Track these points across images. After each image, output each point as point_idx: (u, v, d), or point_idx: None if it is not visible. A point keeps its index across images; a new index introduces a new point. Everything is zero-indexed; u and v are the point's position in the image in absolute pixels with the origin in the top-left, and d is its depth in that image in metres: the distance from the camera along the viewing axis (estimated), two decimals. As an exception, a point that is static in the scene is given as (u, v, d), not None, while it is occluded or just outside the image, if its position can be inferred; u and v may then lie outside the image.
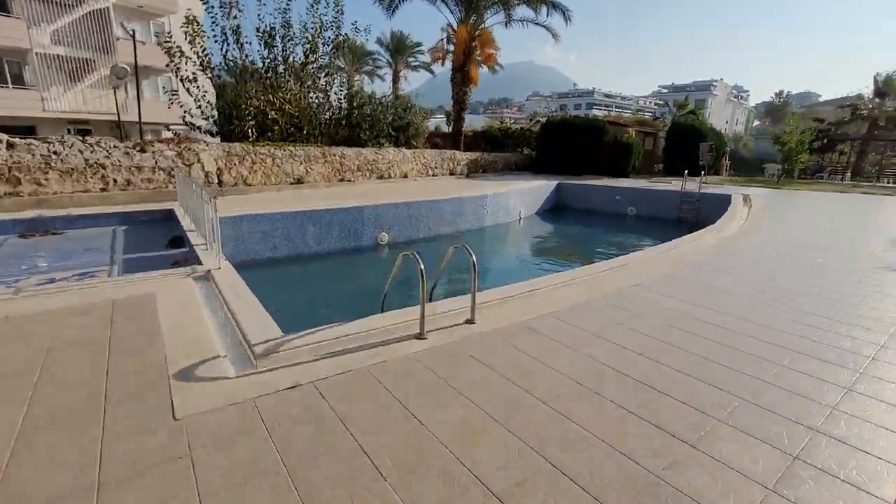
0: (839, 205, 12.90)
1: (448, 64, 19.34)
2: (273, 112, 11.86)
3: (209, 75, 11.79)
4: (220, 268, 4.58)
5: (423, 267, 3.37)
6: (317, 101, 12.95)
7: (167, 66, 10.91)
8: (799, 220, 9.41)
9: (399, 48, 35.00)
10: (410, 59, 37.39)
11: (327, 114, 13.37)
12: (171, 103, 11.29)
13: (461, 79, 18.72)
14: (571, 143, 19.11)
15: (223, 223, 7.87)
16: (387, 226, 9.97)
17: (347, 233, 9.36)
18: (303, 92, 13.01)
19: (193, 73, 11.18)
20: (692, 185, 14.46)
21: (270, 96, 11.94)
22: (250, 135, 11.63)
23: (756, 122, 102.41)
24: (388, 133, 14.36)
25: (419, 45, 35.44)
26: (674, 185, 16.48)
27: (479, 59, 20.74)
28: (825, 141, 20.28)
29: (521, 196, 14.00)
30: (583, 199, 16.18)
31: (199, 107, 11.81)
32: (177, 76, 11.09)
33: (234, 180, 10.37)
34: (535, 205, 15.27)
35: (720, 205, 13.69)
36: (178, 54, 11.06)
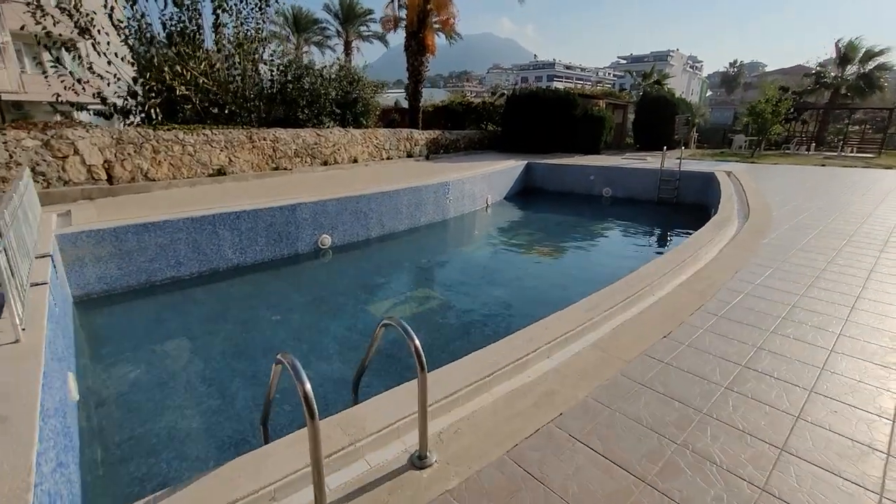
0: (831, 180, 12.06)
1: (403, 33, 17.19)
2: (182, 87, 9.59)
3: (124, 39, 9.31)
4: (17, 341, 2.75)
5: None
6: (242, 73, 10.70)
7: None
8: (809, 204, 8.32)
9: (349, 16, 31.92)
10: (363, 29, 34.36)
11: (256, 88, 11.14)
12: (56, 75, 8.81)
13: (416, 47, 16.64)
14: (540, 118, 17.56)
15: (98, 238, 5.90)
16: (329, 226, 8.19)
17: (278, 238, 7.53)
18: (224, 62, 10.72)
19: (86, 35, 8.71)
20: (670, 161, 13.30)
21: (179, 67, 9.64)
22: (153, 116, 9.36)
23: (710, 93, 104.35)
24: (332, 111, 12.27)
25: (370, 12, 32.49)
26: (650, 161, 15.34)
27: (436, 25, 18.64)
28: (792, 111, 19.64)
29: (487, 180, 12.41)
30: (555, 180, 14.79)
31: (116, 80, 9.33)
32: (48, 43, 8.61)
33: (131, 175, 8.21)
34: (504, 189, 13.75)
35: (702, 184, 12.63)
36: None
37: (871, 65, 22.65)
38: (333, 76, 12.45)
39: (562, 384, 2.56)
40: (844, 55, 22.73)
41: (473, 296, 6.57)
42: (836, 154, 21.50)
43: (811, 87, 24.02)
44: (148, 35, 9.31)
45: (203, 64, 10.10)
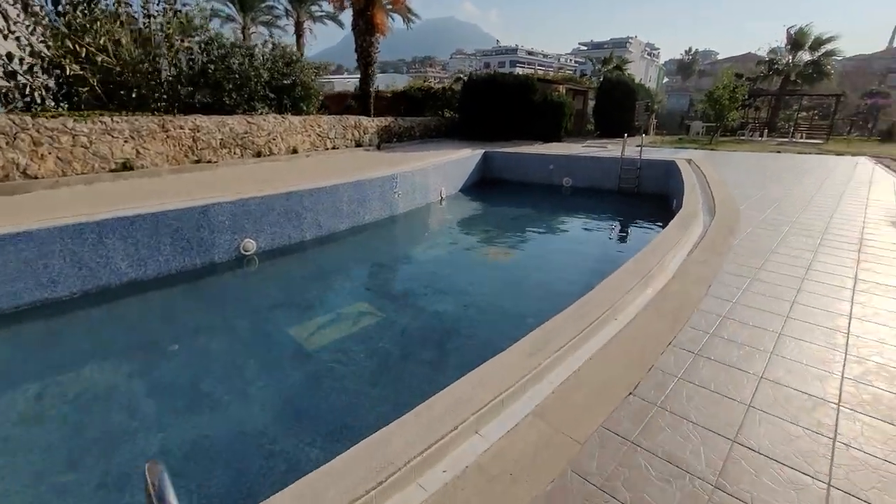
0: (789, 168, 11.87)
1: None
2: (75, 66, 8.11)
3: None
4: None
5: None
6: (153, 50, 9.24)
7: None
8: (773, 195, 7.91)
9: (298, -6, 29.86)
10: (314, 8, 32.29)
11: (172, 69, 9.70)
12: None
13: (364, 26, 15.35)
14: (498, 104, 16.74)
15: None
16: (254, 229, 7.10)
17: (188, 245, 6.39)
18: (133, 37, 9.23)
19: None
20: (630, 149, 12.82)
21: (70, 42, 8.13)
22: (38, 100, 7.87)
23: (666, 79, 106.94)
24: (265, 95, 10.95)
25: (321, -10, 30.52)
26: (610, 149, 14.87)
27: (387, 4, 17.35)
28: (747, 97, 19.73)
29: (441, 171, 11.51)
30: (513, 169, 14.05)
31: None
32: None
33: (4, 172, 6.80)
34: (460, 180, 12.89)
35: (663, 173, 12.20)
36: None
37: (820, 52, 23.09)
38: (267, 56, 11.09)
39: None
40: (796, 41, 23.05)
41: (418, 309, 5.71)
42: (787, 140, 21.90)
43: (764, 73, 24.33)
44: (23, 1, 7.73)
45: (103, 38, 8.60)
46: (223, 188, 7.45)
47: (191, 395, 3.89)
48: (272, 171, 9.43)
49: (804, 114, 26.85)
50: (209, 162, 9.42)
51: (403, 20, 32.95)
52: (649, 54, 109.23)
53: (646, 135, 22.82)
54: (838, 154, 14.85)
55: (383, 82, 33.83)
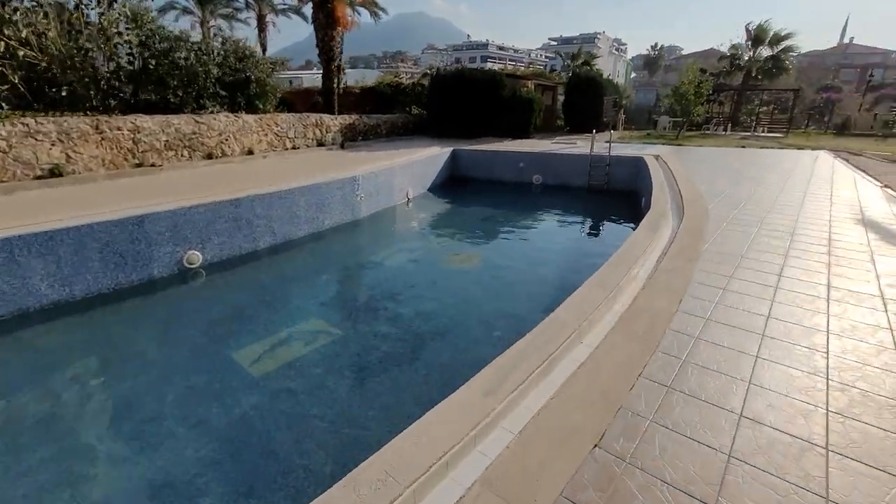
0: (754, 163, 11.96)
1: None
2: (-9, 61, 7.28)
3: None
4: None
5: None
6: (85, 44, 8.42)
7: None
8: (741, 192, 7.83)
9: (259, -14, 28.63)
10: (277, 2, 31.04)
11: (111, 64, 8.90)
12: None
13: (325, 19, 14.67)
14: (467, 100, 16.38)
15: None
16: (199, 239, 6.52)
17: (121, 260, 5.78)
18: (63, 28, 8.39)
19: None
20: (599, 145, 12.70)
21: (-15, 34, 7.29)
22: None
23: (633, 75, 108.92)
24: (216, 93, 10.24)
25: (283, -19, 29.39)
26: (580, 145, 14.74)
27: (350, -5, 16.69)
28: (712, 92, 20.04)
29: (408, 171, 11.08)
30: (482, 167, 13.74)
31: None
32: None
33: None
34: (428, 179, 12.48)
35: (632, 169, 12.12)
36: None
37: (779, 47, 23.69)
38: (217, 50, 10.36)
39: None
40: (756, 37, 23.57)
41: (376, 327, 5.29)
42: (750, 134, 22.40)
43: (727, 69, 24.81)
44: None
45: (25, 31, 7.77)
46: (166, 194, 6.83)
47: (111, 438, 3.39)
48: (223, 175, 8.80)
49: (764, 108, 27.59)
50: (153, 165, 8.69)
51: (370, 14, 32.11)
52: (617, 50, 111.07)
53: (615, 130, 22.91)
54: (799, 148, 15.18)
55: (353, 78, 32.93)
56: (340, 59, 24.59)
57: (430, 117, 17.37)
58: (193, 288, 6.27)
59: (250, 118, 10.74)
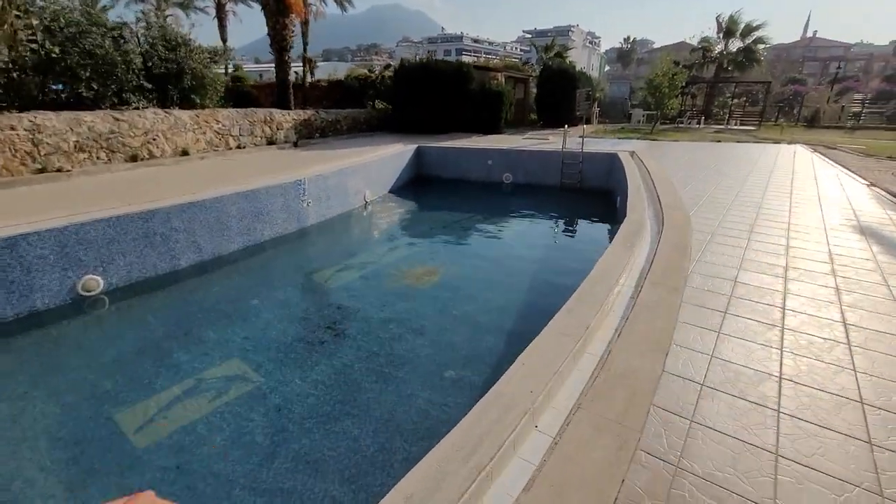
0: (733, 159, 11.42)
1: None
2: None
3: None
4: None
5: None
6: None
7: None
8: (723, 195, 7.17)
9: (214, -29, 26.84)
10: (235, -11, 29.22)
11: (11, 53, 7.60)
12: None
13: (276, 6, 13.44)
14: (434, 94, 15.42)
15: None
16: (99, 261, 5.45)
17: (-11, 292, 4.69)
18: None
19: None
20: (572, 141, 11.97)
21: None
22: None
23: (607, 68, 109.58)
24: (140, 85, 9.01)
25: (241, -33, 27.68)
26: (552, 141, 14.00)
27: (306, -19, 15.48)
28: (685, 85, 19.62)
29: (365, 171, 10.10)
30: (449, 166, 12.85)
31: None
32: None
33: None
34: (389, 180, 11.52)
35: (606, 166, 11.43)
36: None
37: (750, 38, 23.47)
38: (141, 36, 9.11)
39: None
40: (727, 29, 23.29)
41: (306, 370, 4.36)
42: (723, 127, 22.15)
43: (699, 61, 24.50)
44: None
45: None
46: (65, 206, 5.70)
47: None
48: (146, 180, 7.65)
49: (736, 101, 27.50)
50: (59, 171, 7.47)
51: (337, 4, 30.59)
52: (591, 42, 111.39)
53: (589, 124, 22.35)
54: (775, 142, 14.80)
55: (325, 71, 31.45)
56: (305, 50, 23.26)
57: (395, 112, 16.35)
58: (87, 321, 5.19)
59: (185, 114, 9.54)
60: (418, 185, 12.56)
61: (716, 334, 2.88)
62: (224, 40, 26.59)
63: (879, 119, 26.42)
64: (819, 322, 3.05)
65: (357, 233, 8.91)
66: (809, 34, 75.91)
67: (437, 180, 12.90)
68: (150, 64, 9.16)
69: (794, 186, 7.53)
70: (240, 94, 19.10)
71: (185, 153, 9.48)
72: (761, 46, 24.22)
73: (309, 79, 24.99)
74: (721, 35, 23.64)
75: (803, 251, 4.39)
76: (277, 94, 14.62)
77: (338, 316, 5.52)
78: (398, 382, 4.16)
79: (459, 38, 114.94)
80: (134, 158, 8.57)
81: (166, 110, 9.23)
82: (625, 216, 5.71)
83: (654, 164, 9.72)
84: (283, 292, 6.31)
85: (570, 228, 9.70)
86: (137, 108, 8.79)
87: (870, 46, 79.76)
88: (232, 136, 10.74)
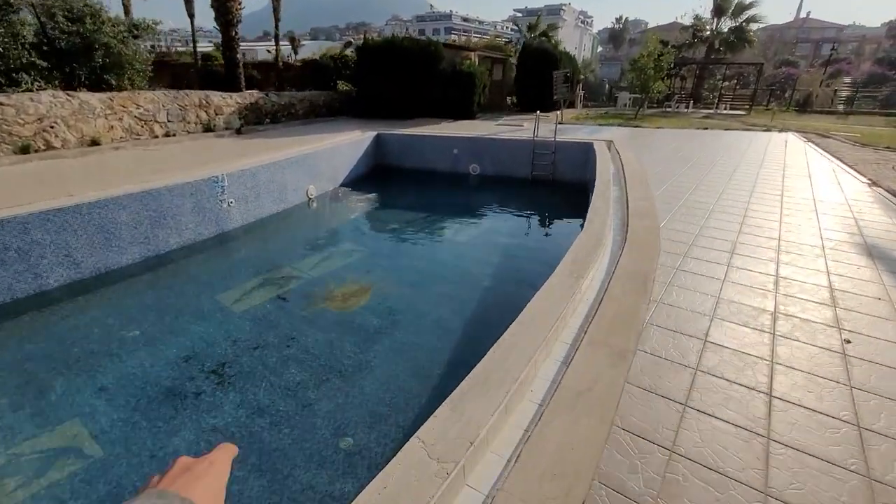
0: (719, 150, 10.41)
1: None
2: None
3: None
4: None
5: None
6: None
7: None
8: (704, 198, 6.17)
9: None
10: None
11: None
12: None
13: (218, -27, 11.99)
14: (401, 75, 14.12)
15: None
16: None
17: None
18: None
19: None
20: (548, 127, 10.87)
21: None
22: None
23: (600, 48, 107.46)
24: (32, 63, 7.69)
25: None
26: (526, 127, 12.86)
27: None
28: (673, 66, 18.45)
29: (308, 163, 8.92)
30: (412, 155, 11.69)
31: None
32: None
33: None
34: (342, 172, 10.35)
35: (581, 156, 10.34)
36: None
37: (742, 17, 22.26)
38: (36, 5, 7.74)
39: None
40: (718, 7, 22.03)
41: (165, 437, 3.32)
42: (713, 111, 21.10)
43: (689, 41, 23.27)
44: None
45: None
46: None
47: None
48: (31, 177, 6.44)
49: (727, 83, 26.40)
50: (-82, 166, 6.24)
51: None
52: (583, 23, 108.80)
53: (573, 108, 21.17)
54: (765, 129, 13.80)
55: (311, 50, 29.64)
56: (276, 27, 21.57)
57: (359, 96, 15.02)
58: None
59: (94, 98, 8.24)
60: (377, 177, 11.41)
61: (668, 453, 1.88)
62: (191, 16, 24.79)
63: (872, 103, 25.54)
64: (821, 423, 2.07)
65: (291, 237, 7.78)
66: (803, 15, 74.57)
67: (399, 171, 11.75)
68: (49, 38, 7.81)
69: (785, 186, 6.54)
70: (209, 73, 17.56)
71: (94, 143, 8.22)
72: (754, 26, 23.05)
73: (295, 57, 23.33)
74: (712, 14, 22.39)
75: (798, 285, 3.40)
76: (226, 73, 13.23)
77: (230, 355, 4.46)
78: (277, 457, 3.17)
79: (448, 16, 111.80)
80: (25, 150, 7.31)
81: (69, 93, 7.93)
82: (581, 234, 4.68)
83: (632, 156, 8.68)
84: (175, 319, 5.20)
85: (538, 228, 8.68)
86: (28, 90, 7.49)
87: (862, 28, 78.67)
88: (158, 122, 9.45)
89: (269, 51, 26.75)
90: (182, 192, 6.44)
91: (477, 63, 15.75)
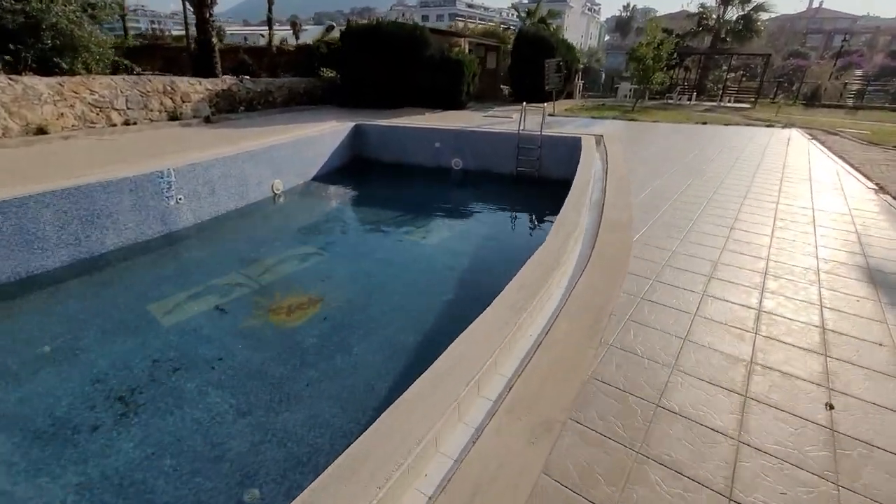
0: (715, 152, 9.77)
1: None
2: None
3: None
4: None
5: None
6: None
7: None
8: (689, 210, 5.58)
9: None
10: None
11: None
12: None
13: (189, -50, 11.28)
14: (385, 63, 13.42)
15: None
16: None
17: None
18: None
19: None
20: (536, 120, 10.22)
21: None
22: None
23: (607, 37, 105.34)
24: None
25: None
26: (514, 119, 12.20)
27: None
28: (675, 56, 17.62)
29: (273, 156, 8.34)
30: (392, 148, 11.06)
31: None
32: None
33: None
34: (314, 165, 9.74)
35: (569, 152, 9.71)
36: None
37: (750, 5, 21.29)
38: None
39: None
40: (728, -8, 21.07)
41: (41, 481, 2.85)
42: (716, 104, 20.29)
43: (694, 30, 22.33)
44: None
45: None
46: None
47: None
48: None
49: (732, 75, 25.47)
50: None
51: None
52: (590, 10, 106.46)
53: (571, 99, 20.40)
54: (768, 124, 13.08)
55: (312, 35, 28.76)
56: (269, 10, 20.63)
57: (344, 84, 14.33)
58: None
59: (41, 82, 7.65)
60: (354, 170, 10.80)
61: None
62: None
63: (883, 97, 24.59)
64: None
65: (248, 237, 7.22)
66: (816, 4, 72.51)
67: (378, 165, 11.14)
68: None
69: (781, 192, 5.92)
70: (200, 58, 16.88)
71: (42, 131, 7.64)
72: (763, 16, 22.09)
73: (296, 42, 22.54)
74: (719, 2, 21.41)
75: (783, 324, 2.84)
76: (196, 58, 12.56)
77: (144, 378, 3.94)
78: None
79: (453, 2, 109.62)
80: (-42, 139, 6.76)
81: (11, 77, 7.34)
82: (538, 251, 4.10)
83: (619, 154, 8.06)
84: (95, 333, 4.67)
85: (517, 231, 8.10)
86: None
87: (876, 19, 76.52)
88: (116, 109, 8.85)
89: (262, 35, 25.89)
90: (119, 188, 5.88)
91: (468, 50, 15.00)
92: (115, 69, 11.95)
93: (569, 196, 5.46)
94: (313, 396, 3.66)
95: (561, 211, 4.90)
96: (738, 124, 13.03)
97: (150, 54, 19.31)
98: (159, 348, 4.35)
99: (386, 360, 4.12)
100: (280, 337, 4.58)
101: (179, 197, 6.63)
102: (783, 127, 12.56)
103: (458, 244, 7.15)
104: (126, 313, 4.99)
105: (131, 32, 23.16)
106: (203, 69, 12.14)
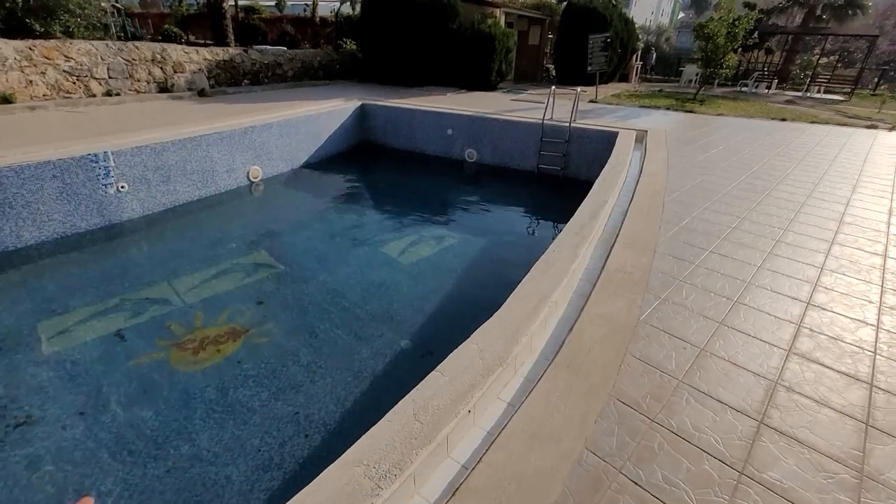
0: (787, 165, 7.75)
1: None
2: None
3: None
4: None
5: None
6: None
7: None
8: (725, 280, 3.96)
9: None
10: None
11: None
12: None
13: None
14: (408, 35, 12.00)
15: None
16: None
17: None
18: None
19: None
20: (565, 108, 8.55)
21: None
22: None
23: (681, 14, 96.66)
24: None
25: None
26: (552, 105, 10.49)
27: None
28: (755, 35, 14.84)
29: (252, 139, 7.31)
30: (400, 132, 9.77)
31: None
32: None
33: None
34: (305, 150, 8.65)
35: (602, 150, 8.03)
36: None
37: (858, -25, 17.71)
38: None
39: None
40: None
41: None
42: (801, 94, 17.23)
43: (782, 3, 18.99)
44: None
45: None
46: None
47: None
48: None
49: (825, 60, 21.74)
50: None
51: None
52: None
53: (624, 81, 18.05)
54: (869, 124, 10.52)
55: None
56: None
57: (364, 58, 13.07)
58: None
59: (7, 45, 6.97)
60: (355, 157, 9.63)
61: None
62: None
63: None
64: None
65: (200, 235, 6.21)
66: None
67: (384, 151, 9.91)
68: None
69: (890, 245, 4.09)
70: (247, 27, 16.23)
71: (6, 101, 7.00)
72: (873, -12, 18.36)
73: (352, 13, 21.65)
74: (818, -31, 17.95)
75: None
76: (213, 25, 11.71)
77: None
78: None
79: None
80: None
81: (-27, 39, 6.69)
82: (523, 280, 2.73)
83: (662, 157, 6.35)
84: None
85: (528, 246, 6.60)
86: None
87: None
88: (95, 79, 8.11)
89: (306, 5, 24.97)
90: (39, 173, 5.03)
91: (505, 23, 13.22)
92: (167, 38, 11.29)
93: (579, 211, 3.98)
94: (177, 489, 2.58)
95: (564, 229, 3.46)
96: (827, 122, 10.58)
97: (202, 23, 18.93)
98: (20, 389, 3.42)
99: (294, 434, 2.96)
100: (175, 385, 3.51)
101: (122, 184, 5.74)
102: (890, 129, 10.02)
103: (452, 259, 5.75)
104: (7, 331, 4.11)
105: (185, 1, 22.89)
106: (215, 38, 11.28)
